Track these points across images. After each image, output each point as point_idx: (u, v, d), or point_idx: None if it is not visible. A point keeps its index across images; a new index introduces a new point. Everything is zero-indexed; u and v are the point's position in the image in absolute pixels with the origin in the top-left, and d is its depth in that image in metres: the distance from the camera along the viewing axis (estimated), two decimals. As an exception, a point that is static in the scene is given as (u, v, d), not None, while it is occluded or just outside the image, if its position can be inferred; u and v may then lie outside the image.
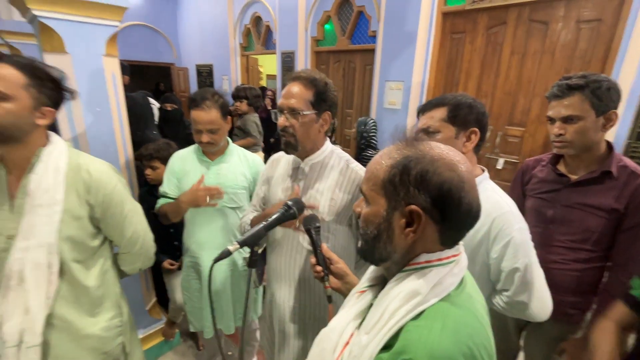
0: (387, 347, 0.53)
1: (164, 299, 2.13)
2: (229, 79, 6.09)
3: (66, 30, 1.39)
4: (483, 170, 1.05)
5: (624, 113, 2.12)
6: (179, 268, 1.97)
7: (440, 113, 1.01)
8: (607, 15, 2.25)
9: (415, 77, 3.20)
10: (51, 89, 0.94)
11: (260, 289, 1.81)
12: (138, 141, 2.15)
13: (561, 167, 1.27)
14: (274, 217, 0.92)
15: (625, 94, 2.09)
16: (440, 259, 0.57)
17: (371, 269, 0.72)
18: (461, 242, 0.61)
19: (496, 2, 2.70)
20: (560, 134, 1.16)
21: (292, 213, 0.95)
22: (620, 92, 1.11)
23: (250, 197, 1.56)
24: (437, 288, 0.55)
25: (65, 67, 1.33)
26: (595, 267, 1.21)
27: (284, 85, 1.10)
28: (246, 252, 0.88)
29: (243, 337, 0.94)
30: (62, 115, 1.43)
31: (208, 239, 1.53)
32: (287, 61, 4.69)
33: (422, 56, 3.18)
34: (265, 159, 1.46)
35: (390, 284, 0.59)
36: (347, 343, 0.62)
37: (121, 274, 1.20)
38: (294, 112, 1.04)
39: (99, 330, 1.06)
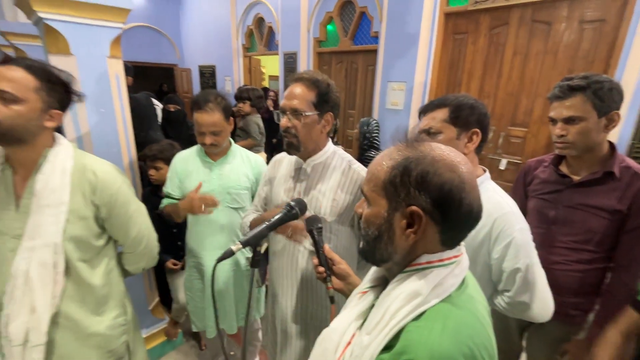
0: (388, 347, 0.53)
1: (166, 299, 2.14)
2: (231, 80, 6.11)
3: (71, 32, 1.40)
4: (484, 171, 1.05)
5: (627, 114, 2.11)
6: (182, 268, 1.98)
7: (442, 114, 1.01)
8: (611, 16, 2.24)
9: (417, 78, 3.20)
10: (60, 92, 0.96)
11: (263, 288, 1.82)
12: (141, 142, 2.16)
13: (563, 168, 1.26)
14: (276, 217, 0.93)
15: (628, 95, 2.08)
16: (441, 260, 0.57)
17: (373, 270, 0.72)
18: (462, 243, 0.61)
19: (499, 2, 2.69)
20: (562, 135, 1.16)
21: (295, 213, 0.95)
22: (622, 92, 1.11)
23: (253, 197, 1.57)
24: (438, 289, 0.55)
25: (70, 69, 1.34)
26: (598, 268, 1.21)
27: (286, 86, 1.11)
28: (249, 252, 0.89)
29: (246, 336, 0.95)
30: (67, 116, 1.44)
31: (211, 239, 1.54)
32: (290, 62, 4.70)
33: (425, 57, 3.17)
34: (268, 160, 1.47)
35: (391, 285, 0.59)
36: (349, 343, 0.62)
37: (125, 273, 1.22)
38: (296, 113, 1.05)
39: (103, 328, 1.08)
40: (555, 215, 1.24)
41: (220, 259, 0.82)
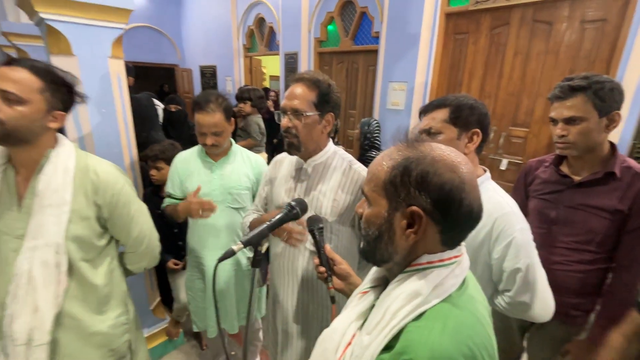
0: (388, 347, 0.53)
1: (168, 299, 2.14)
2: (232, 80, 6.12)
3: (73, 33, 1.41)
4: (485, 171, 1.05)
5: (628, 114, 2.11)
6: (184, 268, 1.99)
7: (442, 114, 1.02)
8: (612, 15, 2.24)
9: (418, 78, 3.20)
10: (64, 94, 0.96)
11: (264, 288, 1.83)
12: (143, 142, 2.17)
13: (564, 168, 1.26)
14: (277, 217, 0.93)
15: (630, 95, 2.08)
16: (441, 260, 0.57)
17: (374, 270, 0.73)
18: (463, 243, 0.61)
19: (499, 2, 2.69)
20: (563, 135, 1.16)
21: (296, 213, 0.96)
22: (623, 92, 1.10)
23: (254, 197, 1.57)
24: (438, 289, 0.55)
25: (71, 69, 1.34)
26: (599, 269, 1.20)
27: (287, 87, 1.11)
28: (250, 251, 0.89)
29: (247, 336, 0.95)
30: (68, 117, 1.45)
31: (212, 239, 1.54)
32: (290, 62, 4.70)
33: (425, 57, 3.17)
34: (269, 160, 1.47)
35: (391, 285, 0.59)
36: (349, 343, 0.62)
37: (126, 273, 1.22)
38: (297, 113, 1.05)
39: (106, 327, 1.08)
40: (556, 216, 1.24)
41: (221, 259, 0.83)
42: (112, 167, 1.08)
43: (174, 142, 2.04)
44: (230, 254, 0.83)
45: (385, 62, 3.46)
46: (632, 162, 1.15)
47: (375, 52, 3.64)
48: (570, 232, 1.21)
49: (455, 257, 0.58)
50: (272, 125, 3.91)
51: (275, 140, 4.07)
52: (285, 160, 1.24)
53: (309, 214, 1.01)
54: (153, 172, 1.97)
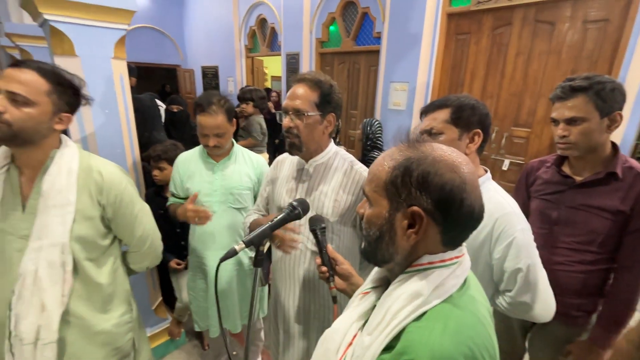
0: (389, 348, 0.54)
1: (170, 298, 2.15)
2: (234, 81, 6.13)
3: (76, 34, 1.42)
4: (486, 171, 1.05)
5: (631, 114, 2.11)
6: (186, 267, 1.99)
7: (443, 114, 1.02)
8: (614, 15, 2.23)
9: (420, 78, 3.20)
10: (70, 96, 0.97)
11: (266, 287, 1.83)
12: (145, 142, 2.18)
13: (566, 169, 1.26)
14: (279, 217, 0.93)
15: (632, 95, 2.07)
16: (443, 260, 0.57)
17: (375, 271, 0.73)
18: (464, 244, 0.61)
19: (501, 2, 2.69)
20: (564, 136, 1.15)
21: (297, 213, 0.96)
22: (624, 93, 1.10)
23: (255, 198, 1.57)
24: (439, 289, 0.55)
25: (74, 70, 1.35)
26: (601, 269, 1.20)
27: (289, 87, 1.11)
28: (252, 251, 0.90)
29: (249, 336, 0.95)
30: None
31: (214, 239, 1.55)
32: (292, 63, 4.71)
33: (427, 57, 3.17)
34: (271, 161, 1.47)
35: (393, 285, 0.59)
36: (350, 344, 0.62)
37: (129, 272, 1.23)
38: (298, 113, 1.06)
39: (110, 326, 1.09)
40: (557, 216, 1.24)
41: (223, 259, 0.83)
42: (115, 168, 1.08)
43: (176, 143, 2.04)
44: (232, 253, 0.83)
45: (386, 62, 3.46)
46: (634, 163, 1.15)
47: (376, 52, 3.65)
48: (572, 233, 1.21)
49: (457, 257, 0.58)
50: (273, 125, 3.92)
51: (277, 141, 4.08)
52: (287, 161, 1.25)
53: (310, 214, 1.01)
54: (156, 172, 1.98)
